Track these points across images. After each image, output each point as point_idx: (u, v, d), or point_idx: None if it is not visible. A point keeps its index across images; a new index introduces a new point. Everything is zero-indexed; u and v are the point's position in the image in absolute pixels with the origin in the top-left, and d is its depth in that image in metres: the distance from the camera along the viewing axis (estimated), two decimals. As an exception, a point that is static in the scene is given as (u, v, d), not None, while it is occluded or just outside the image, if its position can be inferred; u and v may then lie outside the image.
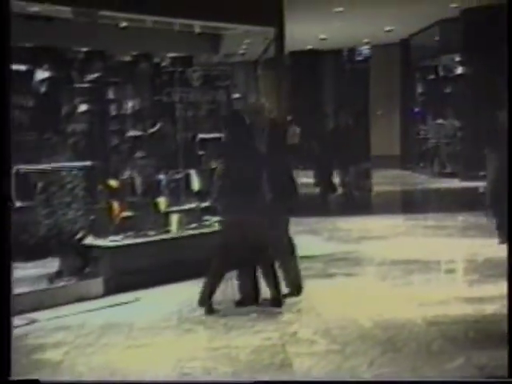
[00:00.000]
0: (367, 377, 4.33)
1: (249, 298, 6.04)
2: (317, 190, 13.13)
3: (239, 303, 6.04)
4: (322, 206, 12.50)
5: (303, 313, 5.82)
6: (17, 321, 5.64)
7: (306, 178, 12.61)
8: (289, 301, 6.13)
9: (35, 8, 5.64)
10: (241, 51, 8.01)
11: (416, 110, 19.07)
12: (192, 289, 6.13)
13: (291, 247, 6.34)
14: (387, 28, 17.32)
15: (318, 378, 4.28)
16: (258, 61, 8.35)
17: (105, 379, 4.36)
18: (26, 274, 6.23)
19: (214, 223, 7.26)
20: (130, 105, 7.46)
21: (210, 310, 5.81)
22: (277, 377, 4.39)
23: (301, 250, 8.21)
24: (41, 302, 5.98)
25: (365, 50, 22.07)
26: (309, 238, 9.24)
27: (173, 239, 7.30)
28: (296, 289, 6.28)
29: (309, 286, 6.70)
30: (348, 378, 4.26)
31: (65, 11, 5.83)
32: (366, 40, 20.16)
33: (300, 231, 9.12)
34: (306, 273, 7.41)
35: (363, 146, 14.06)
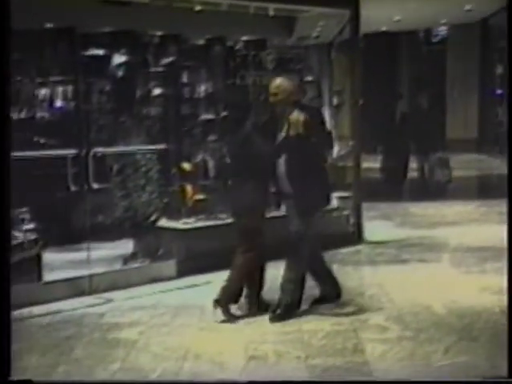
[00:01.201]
0: (443, 364, 4.26)
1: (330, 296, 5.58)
2: (383, 175, 12.88)
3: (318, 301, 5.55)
4: (394, 191, 12.32)
5: (375, 299, 5.76)
6: (93, 300, 5.83)
7: (372, 163, 12.42)
8: (360, 287, 6.08)
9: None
10: (314, 34, 7.92)
11: (498, 91, 18.52)
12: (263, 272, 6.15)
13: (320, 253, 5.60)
14: (467, 7, 16.81)
15: (318, 378, 4.22)
16: (331, 43, 8.25)
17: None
18: (102, 255, 6.39)
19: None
20: (203, 88, 7.51)
21: (229, 315, 5.23)
22: (349, 362, 4.37)
23: (373, 236, 8.15)
24: (116, 282, 6.11)
25: (441, 30, 21.53)
26: (381, 223, 9.14)
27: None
28: (336, 293, 5.62)
29: (381, 271, 6.63)
30: (348, 378, 4.19)
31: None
32: (443, 21, 19.64)
33: (372, 216, 9.05)
34: (378, 258, 7.33)
35: (439, 129, 13.74)
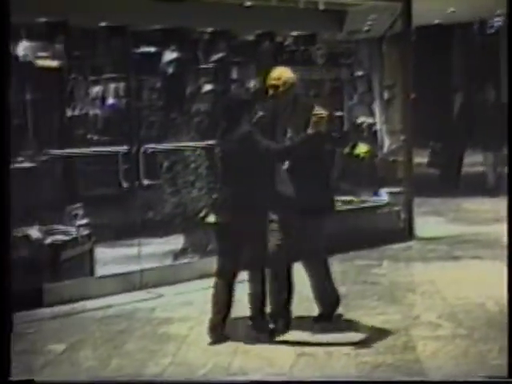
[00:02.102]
0: (498, 363, 4.17)
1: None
2: (431, 170, 12.60)
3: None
4: (447, 186, 12.09)
5: (427, 296, 5.68)
6: (144, 294, 5.90)
7: (424, 158, 12.21)
8: (412, 284, 6.00)
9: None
10: (365, 28, 7.82)
11: None
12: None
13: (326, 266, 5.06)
14: (522, -4, 16.36)
15: (318, 377, 4.15)
16: (383, 37, 8.13)
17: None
18: (153, 250, 6.46)
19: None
20: (252, 84, 7.50)
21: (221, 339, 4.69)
22: (399, 360, 4.31)
23: (425, 232, 8.02)
24: (166, 277, 6.17)
25: (497, 21, 21.05)
26: (433, 219, 9.00)
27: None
28: (332, 307, 5.08)
29: (433, 268, 6.53)
30: (349, 378, 4.11)
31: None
32: (498, 11, 19.19)
33: (424, 212, 8.92)
34: (430, 255, 7.22)
35: (498, 123, 13.38)
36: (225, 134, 4.69)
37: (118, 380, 4.19)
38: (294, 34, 7.57)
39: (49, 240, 5.78)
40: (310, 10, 7.25)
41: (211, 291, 4.80)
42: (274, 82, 4.68)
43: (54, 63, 6.18)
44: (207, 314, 5.10)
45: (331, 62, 7.69)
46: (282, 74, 4.70)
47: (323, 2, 7.04)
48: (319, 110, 4.50)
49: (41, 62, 6.09)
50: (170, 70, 6.95)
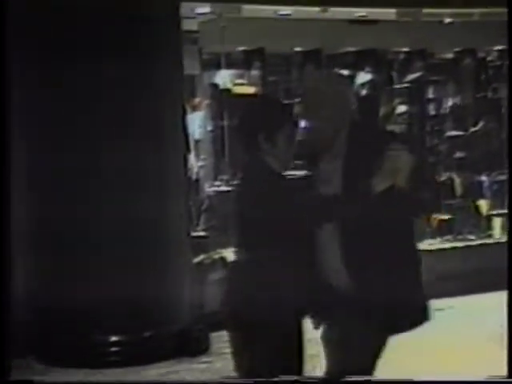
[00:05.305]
0: None
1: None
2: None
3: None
4: None
5: None
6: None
7: None
8: None
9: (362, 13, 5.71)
10: None
11: None
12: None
13: None
14: None
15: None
16: None
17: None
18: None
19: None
20: (450, 103, 7.18)
21: None
22: None
23: None
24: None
25: None
26: None
27: (495, 244, 6.89)
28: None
29: None
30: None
31: (389, 13, 5.78)
32: None
33: None
34: None
35: None
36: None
37: (118, 380, 4.15)
38: (499, 48, 7.10)
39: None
40: (517, 21, 6.78)
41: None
42: (305, 99, 2.95)
43: (251, 89, 6.29)
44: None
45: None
46: (319, 85, 2.94)
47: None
48: (403, 157, 2.64)
49: (238, 89, 6.23)
50: (364, 92, 6.83)
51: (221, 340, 4.76)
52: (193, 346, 4.87)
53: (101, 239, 4.51)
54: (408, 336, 2.90)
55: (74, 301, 4.25)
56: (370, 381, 2.89)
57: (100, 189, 4.51)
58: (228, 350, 2.94)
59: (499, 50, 7.10)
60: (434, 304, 6.26)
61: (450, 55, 7.08)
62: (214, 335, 4.91)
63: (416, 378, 3.63)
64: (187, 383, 4.28)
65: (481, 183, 7.13)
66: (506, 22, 6.70)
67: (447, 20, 6.39)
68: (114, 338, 4.56)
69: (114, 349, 4.62)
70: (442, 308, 5.97)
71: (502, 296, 6.36)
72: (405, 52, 6.86)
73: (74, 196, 4.50)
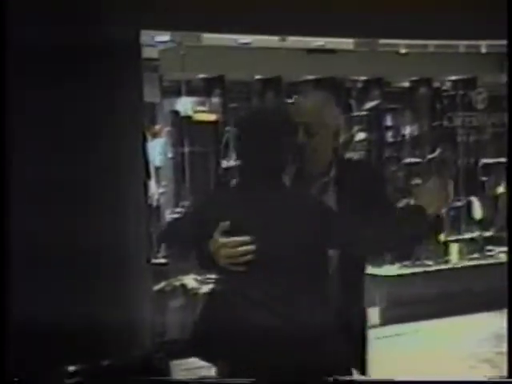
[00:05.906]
0: None
1: None
2: None
3: None
4: None
5: None
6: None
7: None
8: None
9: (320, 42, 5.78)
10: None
11: None
12: (476, 323, 5.78)
13: None
14: None
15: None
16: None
17: None
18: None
19: (498, 254, 6.84)
20: (407, 131, 7.33)
21: None
22: None
23: None
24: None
25: None
26: None
27: (452, 269, 7.00)
28: None
29: None
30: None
31: (347, 43, 5.91)
32: None
33: None
34: None
35: None
36: None
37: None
38: (453, 78, 7.29)
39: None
40: (471, 54, 6.97)
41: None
42: (306, 119, 2.93)
43: (212, 116, 6.34)
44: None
45: (493, 106, 7.33)
46: (316, 106, 2.96)
47: (486, 45, 6.72)
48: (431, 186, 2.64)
49: (199, 116, 6.28)
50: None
51: (180, 368, 4.75)
52: (153, 374, 4.82)
53: (58, 266, 4.46)
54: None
55: (26, 330, 4.18)
56: (369, 381, 3.26)
57: (56, 215, 4.47)
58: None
59: (453, 80, 7.31)
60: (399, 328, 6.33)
61: (406, 84, 7.25)
62: (174, 363, 4.89)
63: (414, 378, 3.70)
64: (187, 383, 4.25)
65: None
66: (459, 54, 6.92)
67: (403, 50, 6.54)
68: (71, 368, 4.49)
69: (72, 380, 4.55)
70: (406, 332, 6.05)
71: (465, 319, 6.48)
72: (363, 81, 7.02)
73: (29, 222, 4.44)
